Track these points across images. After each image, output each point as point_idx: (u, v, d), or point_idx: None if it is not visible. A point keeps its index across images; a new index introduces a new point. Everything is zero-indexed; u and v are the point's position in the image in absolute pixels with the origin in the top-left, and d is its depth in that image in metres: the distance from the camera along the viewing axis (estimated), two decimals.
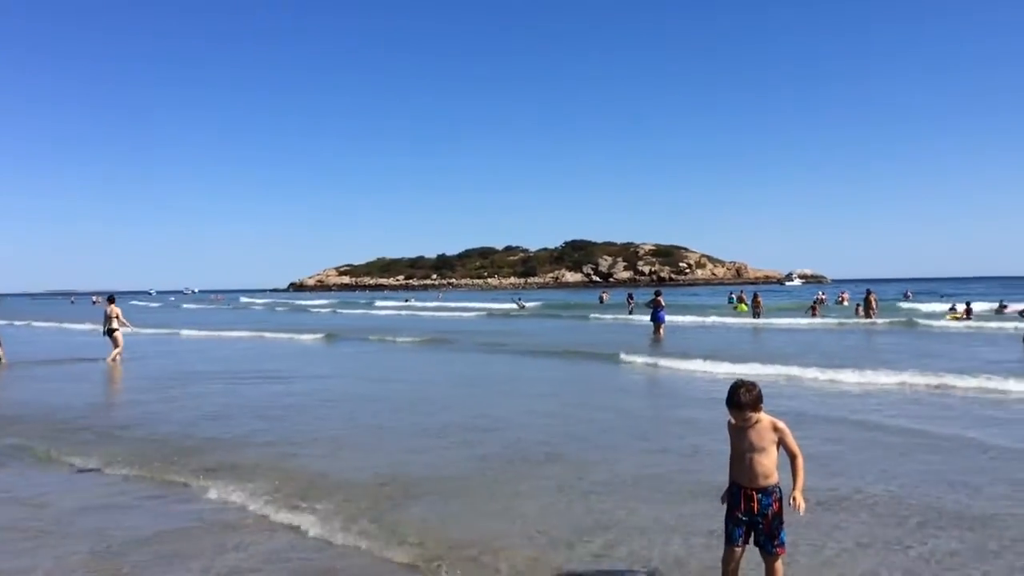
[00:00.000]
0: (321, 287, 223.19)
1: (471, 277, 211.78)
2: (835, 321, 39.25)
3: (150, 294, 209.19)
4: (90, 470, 9.35)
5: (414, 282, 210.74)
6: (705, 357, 19.99)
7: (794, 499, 4.84)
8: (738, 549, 4.97)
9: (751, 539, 4.96)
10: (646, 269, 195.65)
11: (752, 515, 4.88)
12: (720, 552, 5.16)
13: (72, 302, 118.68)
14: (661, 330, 30.55)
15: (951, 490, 7.76)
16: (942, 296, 60.28)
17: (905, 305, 51.67)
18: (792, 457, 4.92)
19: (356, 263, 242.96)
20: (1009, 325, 32.94)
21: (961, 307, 42.35)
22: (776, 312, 48.01)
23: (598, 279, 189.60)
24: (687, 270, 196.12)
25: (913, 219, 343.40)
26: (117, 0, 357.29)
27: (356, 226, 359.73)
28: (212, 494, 8.07)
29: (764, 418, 4.89)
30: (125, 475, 9.04)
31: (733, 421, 4.96)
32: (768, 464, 4.86)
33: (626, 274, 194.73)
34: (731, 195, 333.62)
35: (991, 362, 19.30)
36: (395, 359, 24.60)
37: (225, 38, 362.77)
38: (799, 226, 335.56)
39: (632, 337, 30.23)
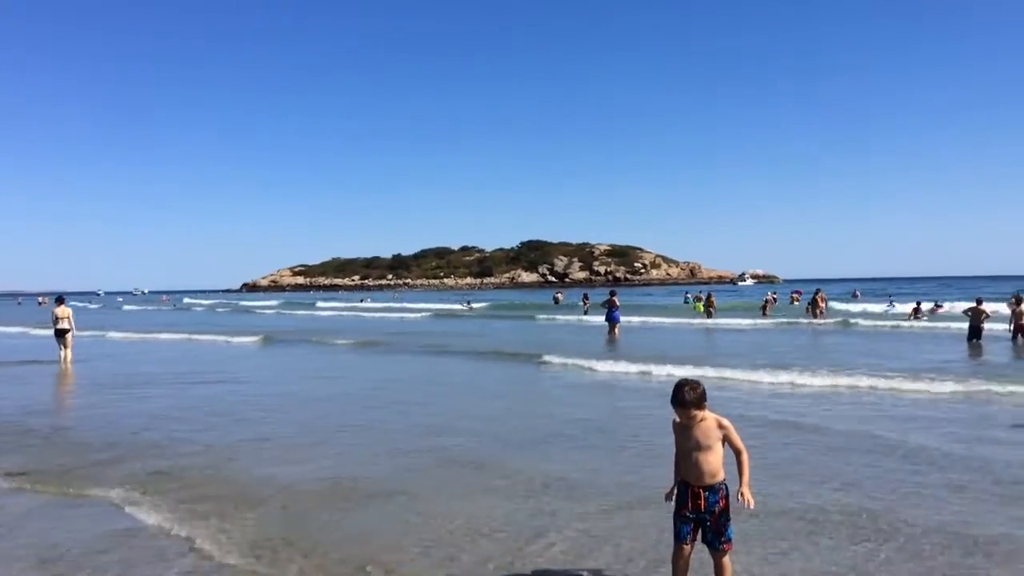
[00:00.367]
0: (275, 287, 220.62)
1: (427, 277, 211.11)
2: (781, 321, 39.47)
3: (98, 295, 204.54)
4: None
5: (370, 282, 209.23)
6: (630, 359, 19.83)
7: (742, 495, 4.87)
8: (687, 547, 4.98)
9: (699, 536, 4.98)
10: (602, 269, 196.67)
11: (699, 512, 4.89)
12: (669, 550, 5.17)
13: (19, 303, 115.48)
14: (616, 330, 30.51)
15: (843, 488, 7.77)
16: (891, 296, 60.80)
17: (842, 306, 51.74)
18: (737, 453, 4.94)
19: (311, 263, 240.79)
20: (948, 324, 32.96)
21: (927, 306, 42.67)
22: (728, 312, 48.41)
23: (554, 279, 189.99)
24: (642, 270, 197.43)
25: (863, 220, 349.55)
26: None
27: (311, 226, 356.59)
28: (115, 507, 7.61)
29: (709, 416, 4.92)
30: (32, 487, 8.49)
31: (678, 419, 4.96)
32: (714, 462, 4.88)
33: (582, 274, 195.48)
34: (685, 196, 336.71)
35: (919, 361, 19.53)
36: (319, 362, 24.02)
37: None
38: (752, 227, 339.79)
39: (566, 338, 29.74)
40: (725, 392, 14.67)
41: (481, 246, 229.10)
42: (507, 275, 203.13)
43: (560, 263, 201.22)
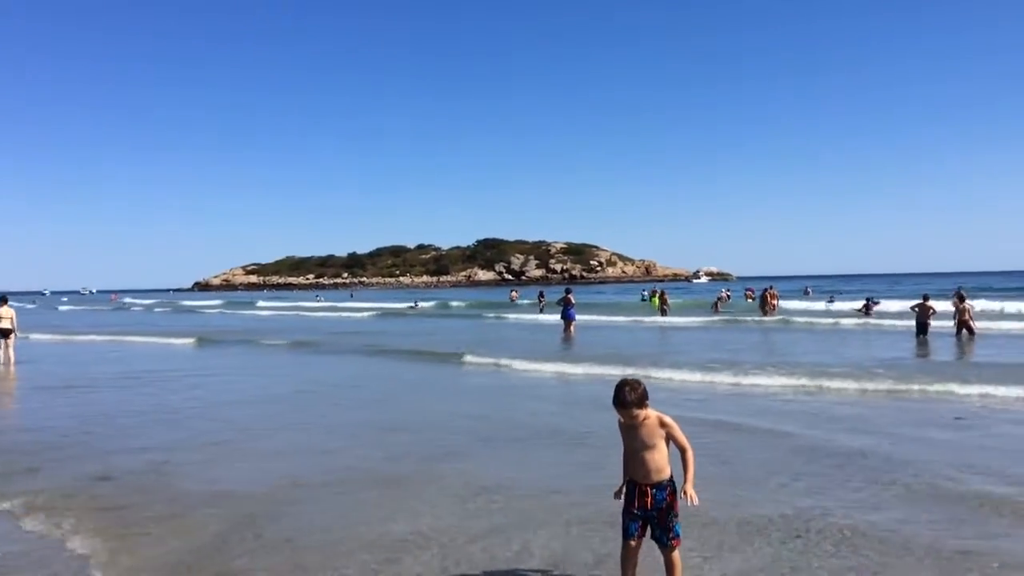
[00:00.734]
0: (227, 287, 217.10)
1: (383, 276, 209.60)
2: (728, 318, 39.43)
3: (43, 295, 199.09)
4: None
5: (324, 281, 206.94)
6: (560, 359, 19.54)
7: (685, 492, 4.86)
8: (635, 543, 4.98)
9: (647, 533, 4.98)
10: (558, 267, 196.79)
11: (647, 510, 4.89)
12: (617, 547, 5.17)
13: None
14: (571, 327, 30.34)
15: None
16: (831, 293, 60.85)
17: (791, 304, 51.46)
18: (682, 451, 4.94)
19: (264, 262, 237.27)
20: (894, 322, 32.93)
21: (857, 304, 43.14)
22: (681, 309, 48.41)
23: (510, 277, 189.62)
24: (598, 268, 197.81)
25: (817, 218, 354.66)
26: None
27: (266, 225, 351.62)
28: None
29: (652, 414, 4.90)
30: None
31: (622, 420, 4.94)
32: (659, 459, 4.88)
33: (538, 272, 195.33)
34: (640, 194, 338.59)
35: (858, 358, 19.44)
36: (236, 362, 23.33)
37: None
38: (706, 225, 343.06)
39: (498, 336, 29.77)
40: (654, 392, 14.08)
41: (437, 244, 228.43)
42: (463, 273, 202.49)
43: (517, 261, 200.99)
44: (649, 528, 4.96)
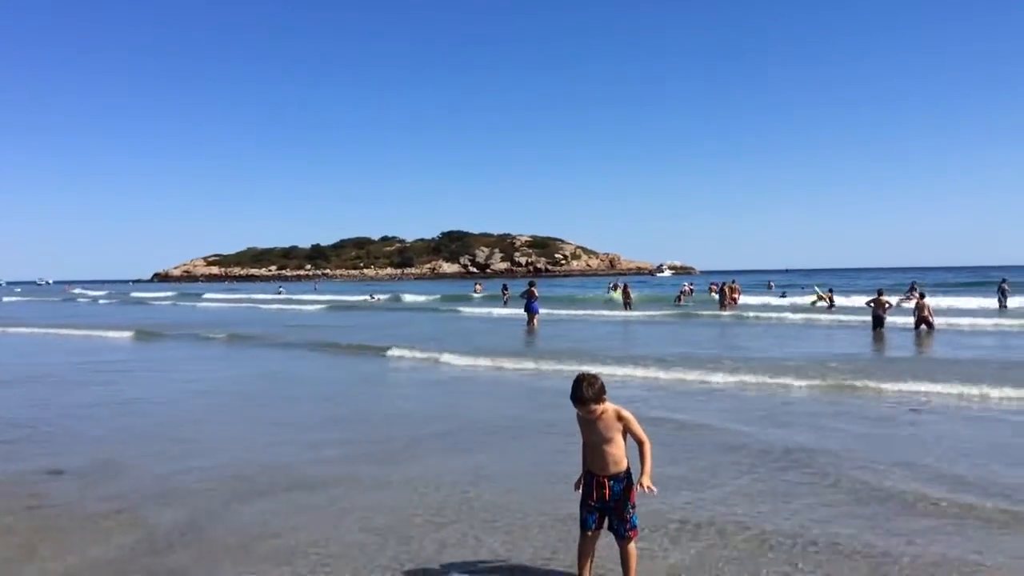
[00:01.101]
0: (188, 278, 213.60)
1: (346, 268, 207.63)
2: (683, 313, 39.30)
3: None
4: None
5: (287, 272, 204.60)
6: (488, 354, 19.19)
7: (642, 484, 4.91)
8: (592, 535, 5.05)
9: (605, 524, 5.04)
10: (523, 260, 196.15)
11: (604, 502, 4.95)
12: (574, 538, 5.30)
13: None
14: (535, 321, 30.30)
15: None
16: (804, 287, 60.84)
17: (751, 299, 51.33)
18: (640, 444, 4.98)
19: (226, 252, 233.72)
20: (850, 317, 32.81)
21: (808, 298, 44.18)
22: (644, 303, 48.37)
23: (475, 270, 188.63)
24: (563, 261, 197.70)
25: (780, 212, 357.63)
26: None
27: (228, 215, 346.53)
28: None
29: (609, 408, 4.95)
30: None
31: (580, 414, 4.98)
32: (617, 452, 4.94)
33: (503, 265, 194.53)
34: (604, 188, 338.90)
35: (796, 352, 19.56)
36: (169, 357, 22.54)
37: None
38: (670, 219, 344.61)
39: (443, 330, 29.86)
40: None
41: (402, 236, 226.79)
42: (428, 266, 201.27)
43: (482, 254, 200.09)
44: (607, 519, 5.02)
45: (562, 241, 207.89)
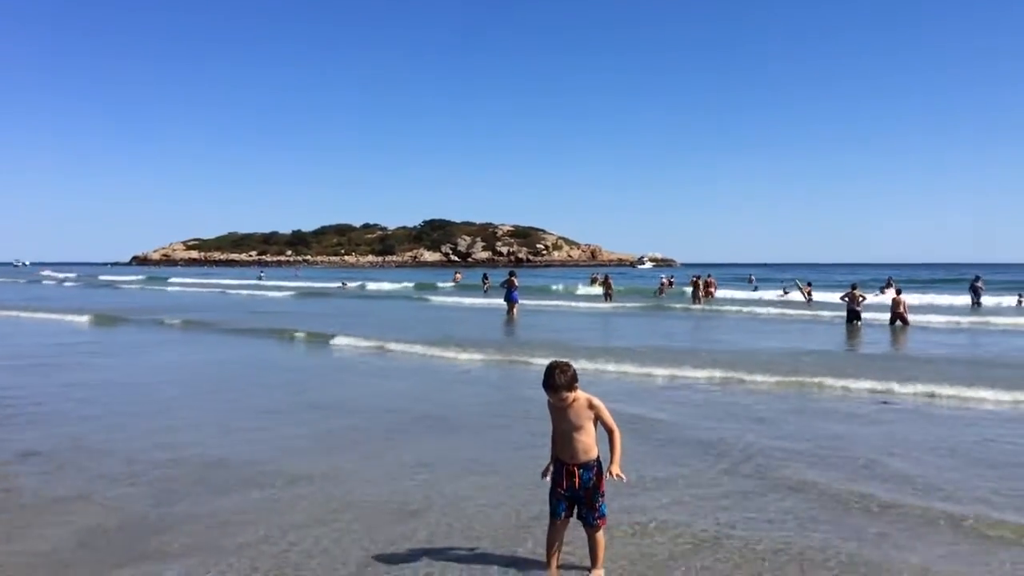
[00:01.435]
0: (167, 261, 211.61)
1: (327, 255, 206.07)
2: (667, 306, 39.20)
3: None
4: None
5: (268, 258, 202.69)
6: (432, 343, 19.06)
7: (611, 471, 4.95)
8: (561, 523, 5.04)
9: (574, 512, 5.04)
10: (504, 250, 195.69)
11: (574, 490, 4.96)
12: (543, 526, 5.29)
13: None
14: (515, 310, 30.44)
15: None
16: (782, 282, 60.85)
17: (727, 293, 51.19)
18: (610, 433, 5.01)
19: (206, 237, 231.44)
20: (819, 312, 32.96)
21: (776, 293, 45.41)
22: (625, 295, 48.53)
23: (456, 259, 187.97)
24: (544, 252, 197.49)
25: (764, 206, 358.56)
26: None
27: (208, 200, 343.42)
28: None
29: (581, 396, 4.95)
30: None
31: (551, 401, 4.97)
32: (587, 440, 4.95)
33: (484, 254, 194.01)
34: (587, 178, 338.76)
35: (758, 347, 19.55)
36: (118, 342, 22.19)
37: None
38: (652, 211, 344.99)
39: (395, 318, 29.75)
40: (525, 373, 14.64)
41: (383, 224, 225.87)
42: (409, 254, 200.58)
43: (463, 243, 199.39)
44: (576, 508, 5.04)
45: (544, 231, 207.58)
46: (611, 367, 15.21)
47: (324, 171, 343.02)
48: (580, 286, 55.97)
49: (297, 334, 22.23)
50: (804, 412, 11.17)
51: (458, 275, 71.24)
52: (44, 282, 79.00)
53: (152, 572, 5.18)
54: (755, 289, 53.21)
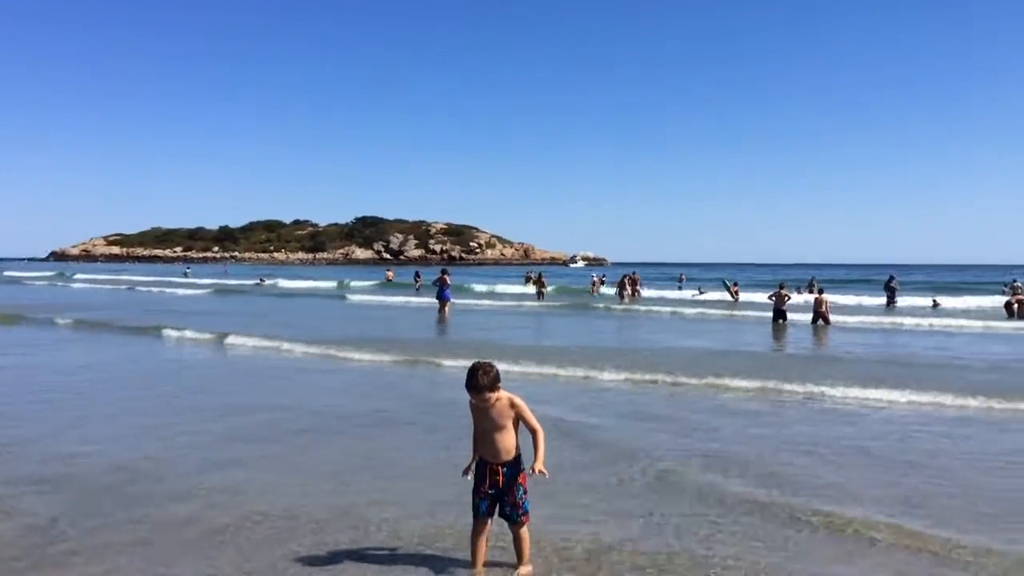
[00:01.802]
0: (87, 257, 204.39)
1: (256, 251, 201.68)
2: (582, 304, 39.54)
3: None
4: None
5: (193, 254, 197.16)
6: (332, 343, 18.71)
7: (535, 468, 4.93)
8: (481, 521, 5.09)
9: (497, 511, 5.09)
10: (437, 248, 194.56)
11: (498, 488, 5.01)
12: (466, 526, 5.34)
13: None
14: (447, 308, 30.37)
15: None
16: (711, 281, 61.76)
17: (659, 293, 51.52)
18: (533, 432, 5.05)
19: (128, 232, 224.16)
20: (746, 312, 33.48)
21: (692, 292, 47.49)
22: (557, 294, 49.10)
23: (389, 256, 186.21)
24: (477, 250, 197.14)
25: (694, 204, 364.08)
26: None
27: (130, 194, 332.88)
28: None
29: (503, 396, 4.96)
30: None
31: (474, 402, 4.99)
32: (510, 439, 5.01)
33: (417, 252, 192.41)
34: (520, 176, 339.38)
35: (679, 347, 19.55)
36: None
37: None
38: (584, 210, 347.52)
39: (302, 318, 29.43)
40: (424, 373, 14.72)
41: (315, 220, 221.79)
42: (341, 251, 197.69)
43: (396, 240, 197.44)
44: (498, 506, 5.07)
45: (477, 229, 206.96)
46: (523, 369, 14.85)
47: (253, 165, 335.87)
48: (525, 280, 56.12)
49: (187, 333, 21.54)
50: (717, 411, 11.20)
51: (390, 273, 70.01)
52: None
53: None
54: (680, 288, 53.97)
